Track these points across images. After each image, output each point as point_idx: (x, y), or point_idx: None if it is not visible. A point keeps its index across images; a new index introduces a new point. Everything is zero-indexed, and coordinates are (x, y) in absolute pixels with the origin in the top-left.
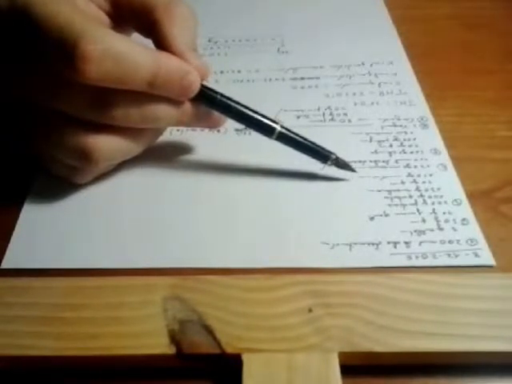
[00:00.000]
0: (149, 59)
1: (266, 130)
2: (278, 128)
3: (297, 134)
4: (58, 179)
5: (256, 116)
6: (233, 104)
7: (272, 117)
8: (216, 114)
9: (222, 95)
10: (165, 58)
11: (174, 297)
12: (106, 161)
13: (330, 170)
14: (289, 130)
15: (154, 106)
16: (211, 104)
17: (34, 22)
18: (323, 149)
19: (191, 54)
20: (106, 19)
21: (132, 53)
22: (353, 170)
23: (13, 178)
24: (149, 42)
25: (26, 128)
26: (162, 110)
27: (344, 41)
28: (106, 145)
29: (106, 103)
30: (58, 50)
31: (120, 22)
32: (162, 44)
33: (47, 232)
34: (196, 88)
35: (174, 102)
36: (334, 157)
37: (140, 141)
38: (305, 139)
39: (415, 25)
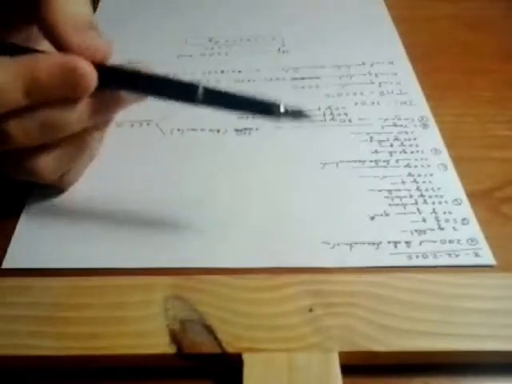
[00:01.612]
0: (11, 76)
1: (187, 93)
2: (201, 89)
3: (227, 92)
4: None
5: (171, 81)
6: (142, 78)
7: None
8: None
9: (127, 69)
10: (33, 63)
11: (174, 296)
12: (53, 173)
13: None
14: (216, 90)
15: (46, 115)
16: (118, 85)
17: None
18: (265, 101)
19: (78, 39)
20: None
21: None
22: (306, 116)
23: (14, 182)
24: None
25: None
26: (59, 115)
27: (344, 41)
28: (46, 161)
29: (0, 133)
30: None
31: (12, 17)
32: (45, 34)
33: (48, 232)
34: (90, 78)
35: (71, 101)
36: (281, 107)
37: (80, 144)
38: (238, 95)
39: (415, 25)
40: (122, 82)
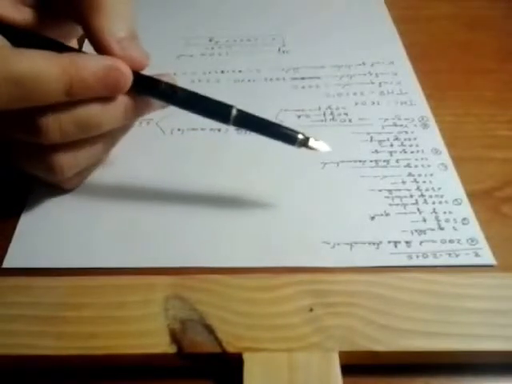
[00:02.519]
0: (58, 70)
1: (221, 114)
2: (235, 111)
3: (256, 116)
4: None
5: (207, 101)
6: (179, 93)
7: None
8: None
9: (165, 83)
10: (80, 61)
11: (174, 296)
12: (71, 170)
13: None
14: (247, 113)
15: (84, 113)
16: (153, 93)
17: None
18: (289, 129)
19: (122, 45)
20: (24, 13)
21: (34, 70)
22: (325, 149)
23: (14, 178)
24: None
25: (5, 154)
26: (96, 114)
27: (344, 41)
28: (65, 158)
29: (36, 127)
30: None
31: (50, 13)
32: (89, 38)
33: (48, 232)
34: (126, 81)
35: (107, 100)
36: (301, 137)
37: (101, 145)
38: (266, 120)
39: (415, 25)
40: (158, 93)
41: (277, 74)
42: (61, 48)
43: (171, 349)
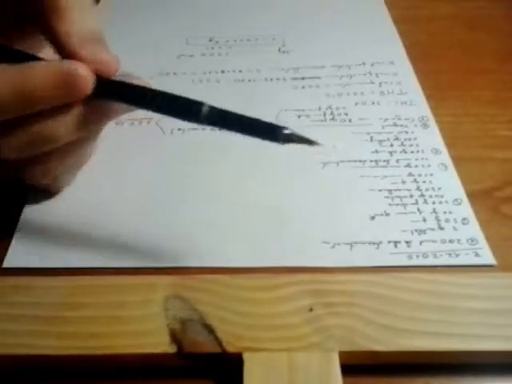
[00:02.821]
0: (8, 83)
1: (191, 113)
2: (206, 108)
3: (232, 113)
4: None
5: (176, 100)
6: (145, 94)
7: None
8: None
9: (129, 85)
10: (27, 71)
11: (174, 296)
12: (45, 180)
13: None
14: (220, 109)
15: (36, 128)
16: (117, 97)
17: None
18: (270, 124)
19: (85, 51)
20: None
21: None
22: (312, 143)
23: (15, 181)
24: None
25: None
26: (48, 127)
27: (345, 41)
28: (33, 171)
29: None
30: None
31: (17, 24)
32: (52, 43)
33: (49, 231)
34: (85, 86)
35: (61, 112)
36: (285, 132)
37: (71, 152)
38: (244, 116)
39: (415, 25)
40: (123, 96)
41: (277, 74)
42: (17, 56)
43: (171, 349)
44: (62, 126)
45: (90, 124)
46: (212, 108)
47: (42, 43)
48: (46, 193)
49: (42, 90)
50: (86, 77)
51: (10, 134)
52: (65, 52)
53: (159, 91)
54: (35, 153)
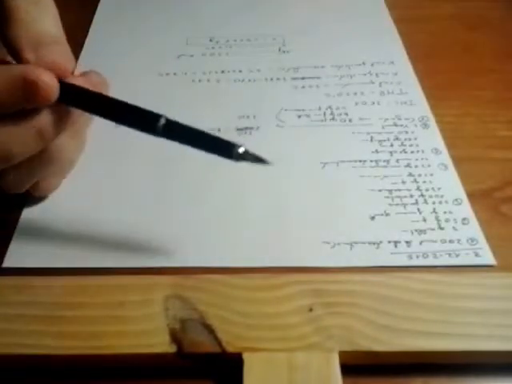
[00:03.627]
0: None
1: (147, 124)
2: (163, 120)
3: (189, 127)
4: None
5: (132, 109)
6: (104, 101)
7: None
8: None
9: (90, 92)
10: None
11: (174, 296)
12: (19, 188)
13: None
14: (177, 123)
15: None
16: (77, 104)
17: None
18: (226, 141)
19: (36, 53)
20: None
21: None
22: (265, 163)
23: None
24: None
25: None
26: (4, 142)
27: (345, 40)
28: (8, 179)
29: None
30: None
31: None
32: (6, 48)
33: (48, 231)
34: (48, 91)
35: (15, 125)
36: (240, 150)
37: (45, 160)
38: (199, 131)
39: (416, 25)
40: (83, 103)
41: (277, 73)
42: None
43: (171, 348)
44: (17, 142)
45: (48, 134)
46: (169, 121)
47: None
48: (32, 197)
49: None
50: (47, 83)
51: None
52: (16, 56)
53: (118, 101)
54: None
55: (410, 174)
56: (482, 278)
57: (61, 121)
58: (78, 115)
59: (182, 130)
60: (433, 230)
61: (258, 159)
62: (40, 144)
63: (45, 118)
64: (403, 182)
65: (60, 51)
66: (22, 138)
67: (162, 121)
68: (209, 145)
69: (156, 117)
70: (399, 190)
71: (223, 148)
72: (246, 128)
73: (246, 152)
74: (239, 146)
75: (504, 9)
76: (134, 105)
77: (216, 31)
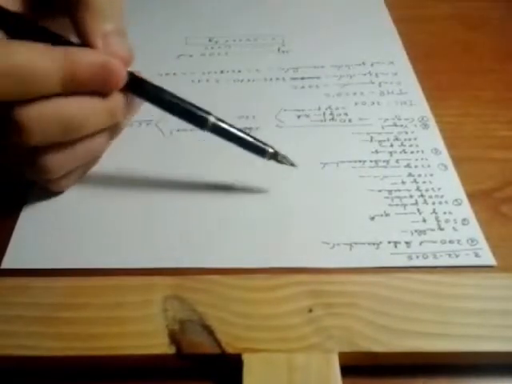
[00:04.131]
0: (53, 63)
1: (199, 121)
2: (212, 119)
3: (232, 126)
4: None
5: (187, 106)
6: (164, 94)
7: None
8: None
9: (151, 84)
10: (76, 55)
11: (173, 297)
12: (61, 170)
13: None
14: (223, 122)
15: (67, 112)
16: (139, 93)
17: None
18: (261, 142)
19: (109, 41)
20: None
21: (31, 62)
22: (292, 165)
23: (13, 182)
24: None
25: None
26: (79, 113)
27: (344, 40)
28: (53, 159)
29: (15, 126)
30: None
31: (41, 9)
32: (76, 33)
33: (47, 232)
34: (119, 79)
35: (92, 100)
36: (271, 151)
37: (91, 146)
38: (241, 131)
39: (416, 25)
40: (144, 91)
41: (276, 73)
42: (57, 40)
43: (170, 349)
44: (92, 114)
45: (117, 116)
46: (217, 120)
47: (68, 30)
48: (47, 191)
49: (84, 75)
50: (120, 71)
51: (39, 116)
52: (83, 41)
53: (176, 96)
54: (63, 138)
55: (410, 175)
56: (481, 279)
57: (129, 106)
58: (138, 106)
59: (226, 129)
60: (433, 230)
61: (286, 160)
62: (109, 121)
63: (116, 99)
64: (403, 183)
65: (124, 43)
66: (97, 111)
67: (211, 119)
68: (247, 144)
69: (206, 115)
70: (399, 190)
71: (258, 148)
72: (246, 128)
73: (276, 153)
74: (272, 148)
75: (504, 9)
76: (189, 102)
77: (215, 31)
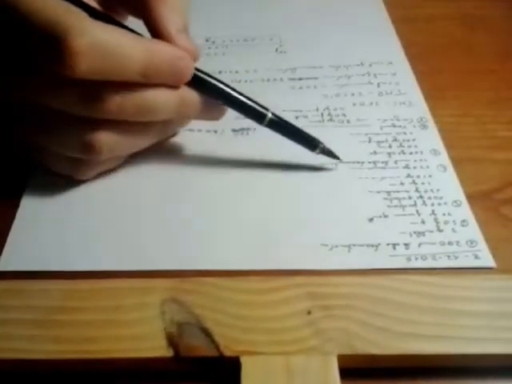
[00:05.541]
0: (139, 50)
1: (258, 116)
2: (269, 115)
3: (287, 122)
4: (53, 180)
5: (248, 102)
6: (225, 88)
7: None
8: (215, 105)
9: (214, 78)
10: (156, 46)
11: (171, 299)
12: (110, 152)
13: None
14: (279, 118)
15: (148, 96)
16: (203, 88)
17: (19, 18)
18: (312, 136)
19: (181, 36)
20: (94, 4)
21: (121, 44)
22: (337, 158)
23: (8, 180)
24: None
25: (27, 127)
26: (157, 99)
27: (343, 41)
28: (108, 137)
29: (97, 97)
30: (46, 46)
31: (111, 6)
32: (151, 27)
33: (43, 235)
34: (189, 72)
35: (169, 90)
36: (322, 145)
37: (146, 134)
38: (295, 126)
39: (415, 25)
40: (207, 86)
41: (274, 74)
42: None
43: (168, 352)
44: (166, 102)
45: (186, 109)
46: (274, 115)
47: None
48: (45, 191)
49: (162, 65)
50: (190, 65)
51: (120, 93)
52: (160, 36)
53: (236, 90)
54: (132, 118)
55: (409, 176)
56: (481, 281)
57: (205, 107)
58: (220, 112)
59: (282, 125)
60: (432, 231)
61: (332, 154)
62: (178, 110)
63: (186, 90)
64: (402, 184)
65: (190, 40)
66: (170, 98)
67: (269, 116)
68: (300, 139)
69: (265, 110)
70: (398, 191)
71: (310, 142)
72: (243, 129)
73: (324, 148)
74: (321, 143)
75: (504, 9)
76: (248, 96)
77: (212, 31)
